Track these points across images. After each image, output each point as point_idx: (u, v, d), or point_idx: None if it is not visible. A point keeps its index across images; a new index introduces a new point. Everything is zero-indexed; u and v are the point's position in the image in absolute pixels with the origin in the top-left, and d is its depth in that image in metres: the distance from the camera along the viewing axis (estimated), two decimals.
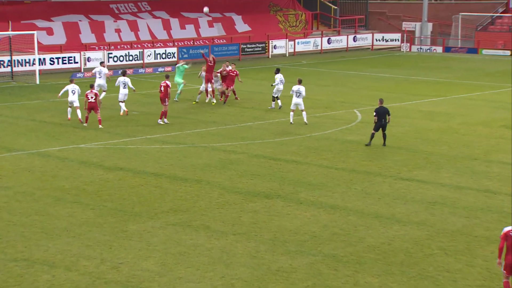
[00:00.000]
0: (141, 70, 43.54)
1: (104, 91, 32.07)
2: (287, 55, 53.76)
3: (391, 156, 23.32)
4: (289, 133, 26.47)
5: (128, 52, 45.43)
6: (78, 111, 28.53)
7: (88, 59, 43.20)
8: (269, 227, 16.46)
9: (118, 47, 47.38)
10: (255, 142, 25.24)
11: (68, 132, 26.35)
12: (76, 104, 28.18)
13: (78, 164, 21.72)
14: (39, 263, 13.96)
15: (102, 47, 46.66)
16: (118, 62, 44.77)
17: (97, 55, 44.02)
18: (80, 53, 43.03)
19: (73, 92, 28.98)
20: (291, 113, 27.82)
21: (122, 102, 29.80)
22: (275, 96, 31.22)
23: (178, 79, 32.73)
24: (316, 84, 39.57)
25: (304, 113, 27.80)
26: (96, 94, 27.23)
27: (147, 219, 16.82)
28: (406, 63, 50.61)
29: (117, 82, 29.88)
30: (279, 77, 31.31)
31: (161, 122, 27.46)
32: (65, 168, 21.25)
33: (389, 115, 24.56)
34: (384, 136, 24.65)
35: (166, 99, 27.34)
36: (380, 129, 24.47)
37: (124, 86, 29.56)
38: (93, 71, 31.86)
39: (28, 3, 47.81)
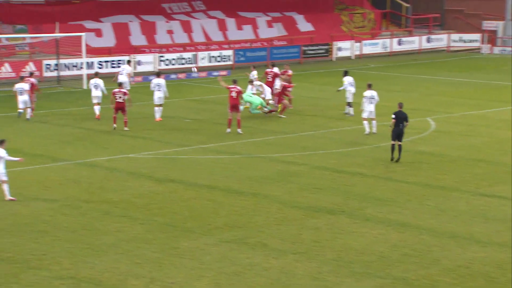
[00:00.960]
0: (194, 74, 44.09)
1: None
2: (353, 58, 53.49)
3: (469, 169, 22.86)
4: (355, 143, 26.29)
5: (181, 55, 46.09)
6: (96, 107, 29.59)
7: (139, 63, 44.03)
8: (333, 246, 16.36)
9: (170, 49, 48.12)
10: (317, 153, 25.16)
11: (116, 140, 26.89)
12: (97, 100, 29.00)
13: (127, 175, 22.12)
14: (86, 281, 14.26)
15: (153, 49, 47.48)
16: (170, 66, 45.47)
17: (147, 58, 44.83)
18: (129, 56, 43.90)
19: (96, 87, 29.72)
20: (365, 122, 27.44)
21: (158, 106, 30.03)
22: (350, 101, 30.97)
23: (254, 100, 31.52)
24: (384, 89, 39.19)
25: (374, 122, 27.58)
26: (125, 93, 27.58)
27: (200, 235, 16.96)
28: (487, 66, 49.61)
29: (152, 85, 30.17)
30: (347, 80, 31.14)
31: (241, 132, 27.41)
32: (113, 179, 21.67)
33: (407, 121, 24.22)
34: (400, 148, 24.00)
35: (239, 106, 27.39)
36: (396, 139, 24.06)
37: (158, 88, 29.78)
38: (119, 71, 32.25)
39: (76, 2, 48.87)
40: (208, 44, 49.94)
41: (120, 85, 28.40)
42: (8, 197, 19.23)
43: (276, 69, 33.42)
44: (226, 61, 47.72)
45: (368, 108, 27.31)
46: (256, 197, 19.90)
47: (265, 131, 28.57)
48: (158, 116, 30.01)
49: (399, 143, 23.99)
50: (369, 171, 22.80)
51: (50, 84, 39.48)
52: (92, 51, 44.28)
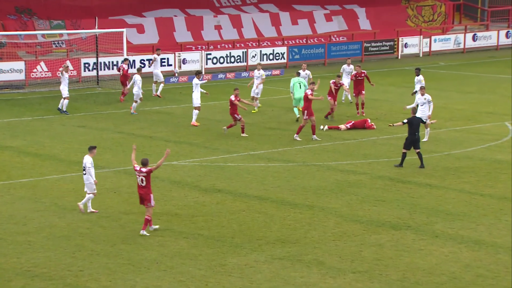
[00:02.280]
0: (244, 74, 44.35)
1: (161, 82, 35.84)
2: (421, 55, 52.97)
3: None
4: (422, 150, 26.07)
5: (230, 53, 46.42)
6: (134, 104, 30.73)
7: (184, 61, 44.53)
8: (397, 264, 16.24)
9: (218, 46, 48.52)
10: (379, 161, 25.03)
11: (159, 146, 27.25)
12: (136, 98, 29.86)
13: (170, 185, 22.38)
14: None
15: (200, 46, 47.95)
16: (218, 65, 45.85)
17: (193, 56, 45.30)
18: (174, 54, 44.43)
19: (134, 83, 30.74)
20: (427, 129, 27.03)
21: (196, 109, 30.57)
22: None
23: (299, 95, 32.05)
24: (457, 90, 38.72)
25: (429, 129, 27.10)
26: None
27: (250, 251, 17.05)
28: None
29: (194, 86, 30.69)
30: (418, 80, 30.54)
31: (317, 138, 27.42)
32: (156, 189, 21.96)
33: (424, 123, 24.60)
34: (420, 155, 23.93)
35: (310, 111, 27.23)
36: (412, 147, 23.84)
37: (196, 88, 30.55)
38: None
39: None
40: (260, 41, 50.16)
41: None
42: (90, 209, 19.60)
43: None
44: (279, 59, 47.83)
45: (424, 112, 26.58)
46: (311, 210, 19.91)
47: (322, 136, 28.54)
48: (193, 120, 30.62)
49: (417, 150, 23.91)
50: (439, 182, 22.56)
51: (89, 85, 40.17)
52: (134, 49, 44.93)
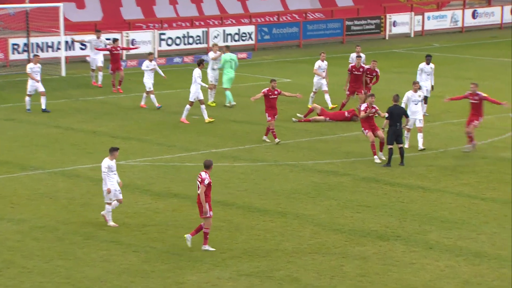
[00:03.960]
0: (204, 57, 44.24)
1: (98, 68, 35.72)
2: (412, 35, 53.33)
3: None
4: (414, 147, 26.22)
5: (187, 32, 46.29)
6: (152, 96, 31.26)
7: (133, 42, 44.33)
8: (384, 281, 16.33)
9: (174, 25, 48.36)
10: (364, 160, 25.15)
11: (104, 143, 27.10)
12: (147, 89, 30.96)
13: None
14: None
15: (151, 25, 47.75)
16: (174, 46, 45.71)
17: (144, 36, 45.10)
18: (121, 33, 44.22)
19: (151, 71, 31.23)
20: (407, 133, 25.98)
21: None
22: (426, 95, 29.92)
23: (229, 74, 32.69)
24: (454, 76, 39.04)
25: (422, 134, 25.88)
26: None
27: (212, 267, 17.03)
28: None
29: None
30: (429, 69, 29.96)
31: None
32: (100, 193, 21.81)
33: (407, 117, 24.49)
34: (401, 151, 24.21)
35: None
36: (395, 141, 24.15)
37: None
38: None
39: None
40: (223, 18, 50.10)
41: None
42: (110, 223, 19.35)
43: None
44: (246, 39, 47.84)
45: (413, 111, 25.82)
46: (284, 217, 19.94)
47: (297, 131, 28.60)
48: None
49: (400, 145, 24.11)
50: (433, 184, 22.73)
51: (18, 70, 39.71)
52: (73, 27, 44.60)
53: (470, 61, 44.19)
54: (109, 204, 19.33)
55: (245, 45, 47.57)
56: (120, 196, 19.42)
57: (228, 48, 33.63)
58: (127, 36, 44.07)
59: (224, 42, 44.97)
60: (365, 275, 16.56)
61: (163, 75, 32.29)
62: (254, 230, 19.05)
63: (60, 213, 20.21)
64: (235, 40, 47.39)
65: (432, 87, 30.42)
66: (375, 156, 24.75)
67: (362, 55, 32.22)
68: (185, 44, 46.08)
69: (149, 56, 32.77)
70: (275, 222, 19.61)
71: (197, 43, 46.37)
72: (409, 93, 26.10)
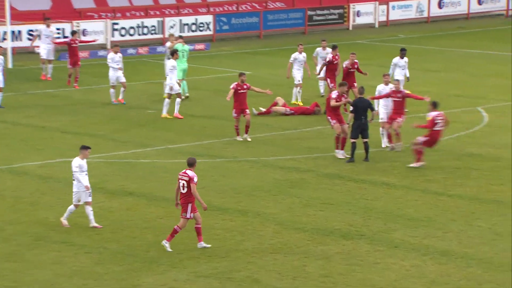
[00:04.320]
0: (160, 48, 44.13)
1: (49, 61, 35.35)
2: (377, 26, 53.63)
3: None
4: (379, 142, 26.38)
5: (142, 22, 46.07)
6: (112, 91, 30.76)
7: (84, 32, 44.04)
8: (348, 282, 16.43)
9: (127, 14, 48.12)
10: (327, 156, 25.25)
11: (54, 139, 26.91)
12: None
13: (68, 187, 22.09)
14: None
15: (104, 14, 47.45)
16: (127, 37, 45.48)
17: (96, 26, 44.80)
18: (71, 23, 43.87)
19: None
20: (382, 130, 26.00)
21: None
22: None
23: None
24: (420, 68, 39.30)
25: (399, 130, 25.74)
26: None
27: (168, 268, 17.01)
28: None
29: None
30: (398, 61, 29.95)
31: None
32: (49, 192, 21.70)
33: (372, 110, 24.66)
34: (366, 146, 24.37)
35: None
36: (360, 134, 24.39)
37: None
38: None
39: None
40: (180, 7, 49.94)
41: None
42: (93, 223, 19.11)
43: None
44: (204, 30, 47.75)
45: (383, 110, 25.95)
46: (245, 216, 19.96)
47: (257, 125, 28.64)
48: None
49: (365, 140, 24.28)
50: (398, 181, 22.89)
51: None
52: (19, 16, 44.15)
53: (437, 53, 44.56)
54: (76, 206, 19.06)
55: (202, 35, 47.48)
56: (90, 199, 19.15)
57: (181, 38, 33.53)
58: (77, 26, 43.75)
59: (180, 32, 44.86)
60: (328, 275, 16.64)
61: (121, 68, 31.81)
62: (213, 229, 19.05)
63: (7, 213, 20.04)
64: (192, 31, 47.29)
65: (408, 78, 30.56)
66: (337, 150, 24.82)
67: (329, 49, 32.25)
68: (139, 34, 45.88)
69: (114, 48, 32.24)
70: (235, 221, 19.63)
71: (152, 34, 46.19)
72: (380, 87, 26.28)
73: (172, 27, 46.46)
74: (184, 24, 47.15)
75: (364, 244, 18.28)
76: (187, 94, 32.43)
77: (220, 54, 43.54)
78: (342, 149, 24.85)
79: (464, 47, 46.28)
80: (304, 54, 32.18)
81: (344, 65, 30.34)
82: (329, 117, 24.87)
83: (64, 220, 19.13)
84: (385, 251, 17.90)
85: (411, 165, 23.93)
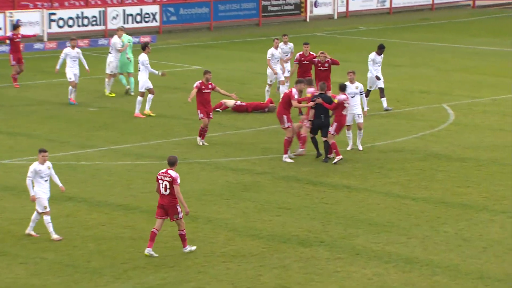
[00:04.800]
0: (102, 41, 43.92)
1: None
2: (336, 17, 53.89)
3: (503, 179, 23.28)
4: (339, 142, 26.52)
5: (82, 12, 45.77)
6: (70, 89, 30.32)
7: (17, 22, 43.60)
8: None
9: (66, 3, 47.74)
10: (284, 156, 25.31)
11: None
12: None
13: (1, 191, 21.92)
14: None
15: (40, 3, 47.03)
16: (66, 28, 45.13)
17: (31, 17, 44.36)
18: (4, 13, 43.43)
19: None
20: (348, 132, 25.74)
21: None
22: (372, 89, 29.98)
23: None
24: (382, 63, 39.51)
25: (362, 131, 25.77)
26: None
27: (112, 280, 16.93)
28: None
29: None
30: (375, 57, 29.81)
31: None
32: None
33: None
34: (326, 145, 24.59)
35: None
36: (319, 131, 24.66)
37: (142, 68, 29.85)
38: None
39: None
40: None
41: None
42: (54, 235, 18.78)
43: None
44: (150, 21, 47.57)
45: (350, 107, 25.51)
46: (194, 222, 19.95)
47: (210, 125, 28.60)
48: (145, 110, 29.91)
49: (325, 138, 24.48)
50: (360, 183, 23.03)
51: None
52: None
53: (401, 46, 44.86)
54: (46, 214, 18.77)
55: (148, 27, 47.33)
56: (48, 208, 18.92)
57: (123, 29, 33.43)
58: (11, 17, 43.36)
59: (124, 23, 44.71)
60: (285, 285, 16.69)
61: (87, 68, 31.43)
62: (161, 237, 19.00)
63: None
64: (137, 22, 47.13)
65: (377, 77, 30.18)
66: (285, 155, 24.76)
67: (290, 44, 32.06)
68: (79, 26, 45.59)
69: (71, 41, 31.78)
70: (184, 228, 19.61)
71: (93, 25, 45.93)
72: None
73: (114, 17, 46.25)
74: (128, 15, 46.96)
75: (323, 251, 18.36)
76: (128, 87, 32.43)
77: (168, 48, 43.46)
78: (303, 146, 25.01)
79: (429, 40, 46.67)
80: (290, 44, 31.84)
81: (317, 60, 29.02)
82: (284, 116, 24.77)
83: (54, 235, 18.82)
84: (346, 258, 18.00)
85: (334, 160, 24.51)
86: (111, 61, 32.59)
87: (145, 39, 44.23)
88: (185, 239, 18.14)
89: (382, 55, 30.48)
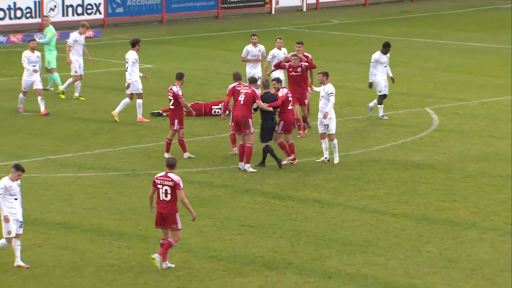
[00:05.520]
0: (39, 36, 43.70)
1: None
2: (305, 9, 54.05)
3: (493, 193, 23.45)
4: (310, 150, 26.58)
5: (14, 3, 45.51)
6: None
7: None
8: None
9: None
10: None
11: None
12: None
13: None
14: None
15: None
16: None
17: None
18: None
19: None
20: (323, 142, 25.75)
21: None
22: (382, 93, 29.83)
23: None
24: (357, 61, 39.75)
25: (335, 142, 25.62)
26: None
27: None
28: None
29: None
30: (380, 57, 29.64)
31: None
32: None
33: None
34: (265, 152, 24.99)
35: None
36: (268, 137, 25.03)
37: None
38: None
39: None
40: None
41: None
42: (19, 262, 18.52)
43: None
44: (93, 13, 47.42)
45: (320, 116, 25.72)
46: (145, 242, 19.91)
47: (160, 131, 28.58)
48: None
49: (265, 143, 24.83)
50: (332, 197, 23.08)
51: None
52: None
53: (377, 42, 44.98)
54: (9, 239, 18.52)
55: (91, 20, 47.09)
56: (21, 231, 18.64)
57: (46, 17, 33.40)
58: None
59: (64, 16, 44.56)
60: None
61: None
62: (106, 259, 18.94)
63: None
64: (78, 14, 46.99)
65: (392, 79, 30.12)
66: (247, 165, 24.87)
67: (261, 46, 30.97)
68: (11, 18, 45.38)
69: (30, 43, 31.09)
70: (133, 249, 19.54)
71: (27, 17, 45.73)
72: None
73: (52, 9, 46.07)
74: (68, 6, 46.81)
75: (291, 274, 18.38)
76: (52, 88, 32.48)
77: (114, 43, 43.34)
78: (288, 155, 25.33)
79: (410, 35, 46.89)
80: (285, 50, 30.12)
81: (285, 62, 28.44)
82: (250, 120, 24.83)
83: (19, 262, 18.64)
84: (317, 282, 18.03)
85: (283, 162, 24.99)
86: (76, 59, 32.14)
87: (87, 33, 44.09)
88: (167, 251, 18.27)
89: (388, 54, 30.22)
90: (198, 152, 26.74)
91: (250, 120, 24.77)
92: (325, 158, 25.73)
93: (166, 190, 18.25)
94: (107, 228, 20.57)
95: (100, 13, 47.53)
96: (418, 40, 45.75)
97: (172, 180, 18.29)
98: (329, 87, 25.58)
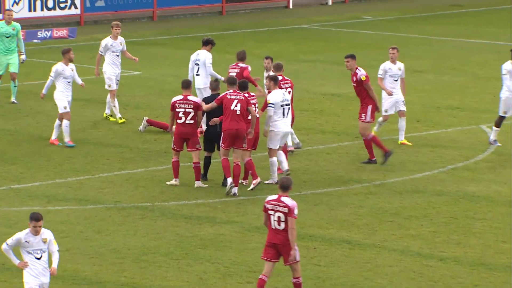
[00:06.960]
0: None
1: None
2: (330, 3, 54.16)
3: None
4: (338, 179, 26.56)
5: None
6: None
7: None
8: None
9: None
10: (256, 198, 25.29)
11: None
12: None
13: None
14: None
15: None
16: None
17: None
18: None
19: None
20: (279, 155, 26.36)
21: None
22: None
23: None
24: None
25: (281, 154, 26.21)
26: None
27: None
28: None
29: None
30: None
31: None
32: None
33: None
34: (207, 163, 26.25)
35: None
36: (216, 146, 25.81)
37: None
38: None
39: None
40: None
41: None
42: None
43: None
44: (67, 8, 47.61)
45: (282, 130, 26.13)
46: None
47: (152, 153, 28.60)
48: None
49: (208, 154, 25.90)
50: (365, 236, 23.12)
51: None
52: None
53: (421, 43, 45.12)
54: None
55: (64, 16, 47.41)
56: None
57: (9, 11, 33.70)
58: None
59: (31, 11, 44.80)
60: None
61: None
62: None
63: None
64: (49, 9, 47.22)
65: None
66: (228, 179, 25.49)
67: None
68: None
69: (68, 54, 30.90)
70: None
71: None
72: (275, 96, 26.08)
73: (16, 3, 46.32)
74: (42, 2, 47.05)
75: None
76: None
77: (92, 45, 43.42)
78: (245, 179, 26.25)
79: (461, 35, 46.93)
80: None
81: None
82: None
83: None
84: None
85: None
86: (109, 71, 31.78)
87: (60, 33, 44.33)
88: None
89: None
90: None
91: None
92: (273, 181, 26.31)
93: (279, 217, 18.52)
94: (83, 276, 20.58)
95: (76, 7, 47.74)
96: (471, 41, 45.76)
97: (286, 206, 18.57)
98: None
